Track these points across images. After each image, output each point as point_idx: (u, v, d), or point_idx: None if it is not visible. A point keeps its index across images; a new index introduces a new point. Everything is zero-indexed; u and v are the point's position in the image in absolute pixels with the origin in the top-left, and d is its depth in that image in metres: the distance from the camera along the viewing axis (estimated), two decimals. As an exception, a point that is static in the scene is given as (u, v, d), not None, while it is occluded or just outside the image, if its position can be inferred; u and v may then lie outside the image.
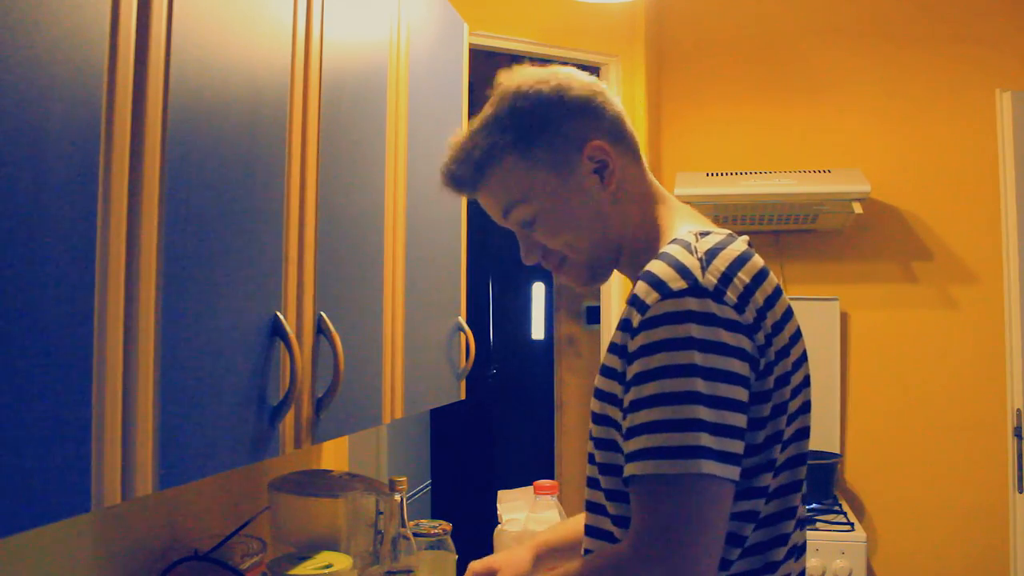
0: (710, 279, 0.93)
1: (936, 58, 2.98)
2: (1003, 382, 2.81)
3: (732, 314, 0.92)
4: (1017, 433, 2.70)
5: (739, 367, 0.92)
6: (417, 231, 1.49)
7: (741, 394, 0.92)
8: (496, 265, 4.70)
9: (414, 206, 1.47)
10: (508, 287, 4.72)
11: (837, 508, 2.71)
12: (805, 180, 2.76)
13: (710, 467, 0.88)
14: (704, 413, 0.88)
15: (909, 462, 2.92)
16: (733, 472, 0.90)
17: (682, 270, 0.94)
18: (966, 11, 2.98)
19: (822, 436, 2.90)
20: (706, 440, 0.88)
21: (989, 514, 2.81)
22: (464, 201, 1.78)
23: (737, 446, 0.90)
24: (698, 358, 0.89)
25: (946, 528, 2.86)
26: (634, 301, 0.96)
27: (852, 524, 2.56)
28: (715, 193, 2.79)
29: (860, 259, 3.02)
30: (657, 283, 0.93)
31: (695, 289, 0.92)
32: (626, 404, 0.94)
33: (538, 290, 4.74)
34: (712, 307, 0.91)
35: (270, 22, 1.02)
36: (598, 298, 2.97)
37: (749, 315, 0.94)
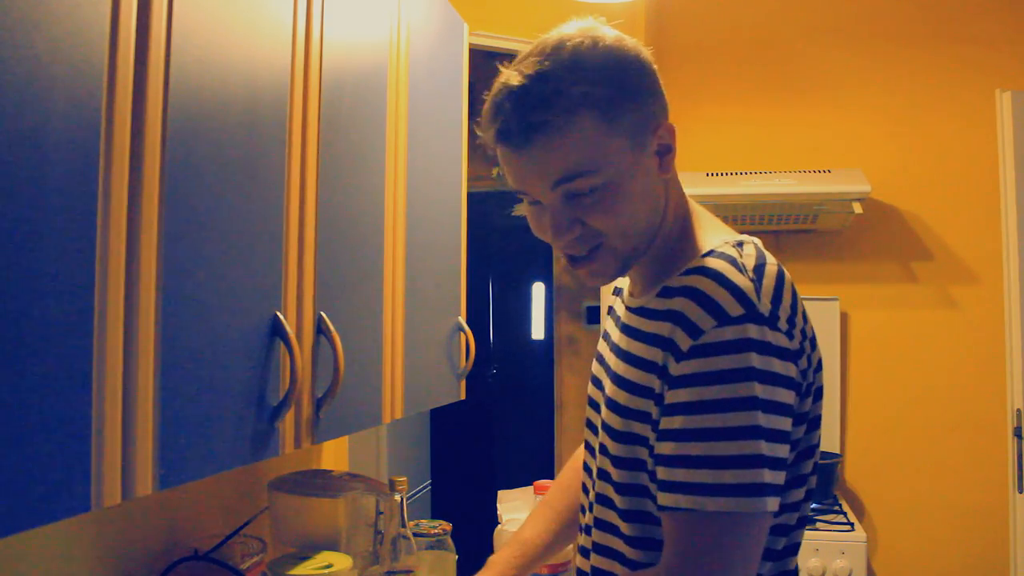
0: (766, 303, 0.89)
1: (936, 58, 2.98)
2: (1003, 382, 2.81)
3: (784, 341, 0.89)
4: (1017, 433, 2.70)
5: (789, 397, 0.89)
6: (417, 231, 1.49)
7: (788, 424, 0.90)
8: (496, 265, 4.69)
9: (414, 206, 1.47)
10: (508, 287, 4.73)
11: (837, 508, 2.71)
12: (805, 180, 2.76)
13: (773, 504, 0.86)
14: (765, 448, 0.86)
15: (909, 462, 2.92)
16: (778, 504, 0.89)
17: (738, 293, 0.88)
18: (966, 11, 2.98)
19: (822, 436, 2.90)
20: (768, 476, 0.86)
21: (989, 514, 2.81)
22: (464, 201, 1.78)
23: (783, 477, 0.89)
24: (759, 390, 0.86)
25: (946, 528, 2.86)
26: (681, 321, 0.89)
27: (852, 524, 2.56)
28: (715, 193, 2.79)
29: (860, 259, 3.02)
30: (713, 307, 0.88)
31: (753, 315, 0.87)
32: (667, 428, 0.90)
33: (538, 290, 4.74)
34: (768, 335, 0.87)
35: (270, 22, 1.02)
36: (598, 298, 2.97)
37: (797, 340, 0.91)
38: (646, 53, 0.98)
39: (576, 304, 3.68)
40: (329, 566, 1.36)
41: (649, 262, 1.01)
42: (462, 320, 1.73)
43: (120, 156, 0.76)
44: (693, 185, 2.80)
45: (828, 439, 2.92)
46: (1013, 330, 2.73)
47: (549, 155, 0.91)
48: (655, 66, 0.98)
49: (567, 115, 0.90)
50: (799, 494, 0.96)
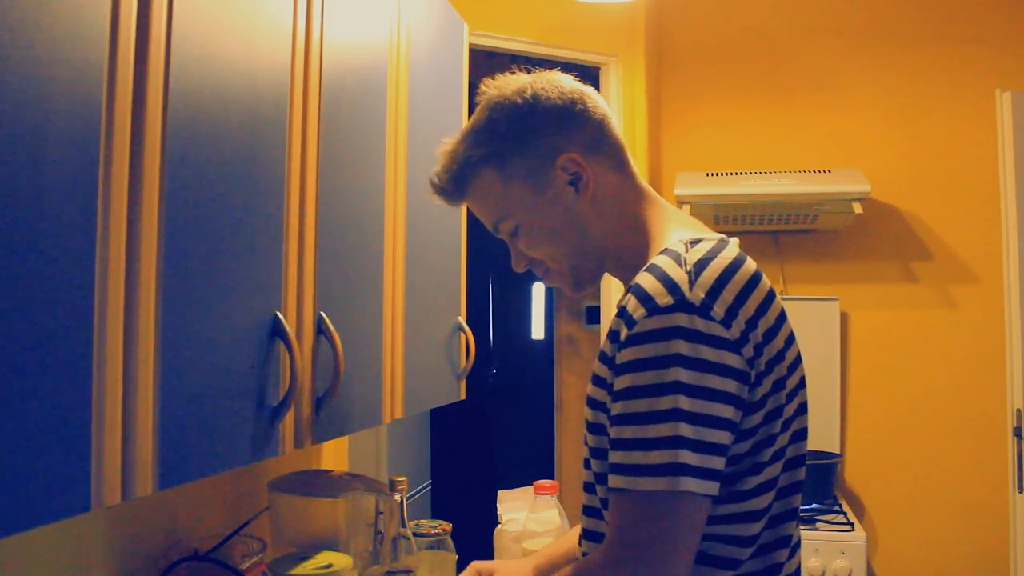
0: (698, 293, 0.92)
1: (936, 58, 2.98)
2: (1003, 382, 2.81)
3: (719, 330, 0.92)
4: (1017, 433, 2.70)
5: (724, 384, 0.91)
6: (417, 231, 1.49)
7: (726, 411, 0.92)
8: (496, 265, 4.69)
9: (414, 206, 1.47)
10: (508, 287, 4.72)
11: (837, 508, 2.71)
12: (805, 180, 2.76)
13: (689, 484, 0.88)
14: (686, 430, 0.89)
15: (909, 462, 2.92)
16: (711, 488, 0.90)
17: (670, 284, 0.93)
18: (966, 11, 2.98)
19: (822, 436, 2.90)
20: (687, 457, 0.88)
21: (989, 514, 2.81)
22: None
23: (718, 462, 0.91)
24: (683, 375, 0.89)
25: (946, 528, 2.86)
26: (623, 314, 0.95)
27: (852, 524, 2.56)
28: (715, 193, 2.79)
29: (860, 259, 3.02)
30: (645, 298, 0.93)
31: (682, 304, 0.91)
32: (613, 415, 0.94)
33: (538, 290, 4.73)
34: (698, 323, 0.91)
35: (270, 22, 1.02)
36: (598, 298, 2.97)
37: (736, 329, 0.93)
38: (548, 90, 1.07)
39: (576, 304, 3.68)
40: (329, 566, 1.36)
41: (619, 269, 1.11)
42: (462, 320, 1.73)
43: (120, 156, 0.76)
44: (693, 185, 2.80)
45: (828, 439, 2.92)
46: (1013, 330, 2.73)
47: (476, 206, 1.13)
48: (563, 101, 1.07)
49: (473, 178, 1.09)
50: (754, 481, 0.96)
